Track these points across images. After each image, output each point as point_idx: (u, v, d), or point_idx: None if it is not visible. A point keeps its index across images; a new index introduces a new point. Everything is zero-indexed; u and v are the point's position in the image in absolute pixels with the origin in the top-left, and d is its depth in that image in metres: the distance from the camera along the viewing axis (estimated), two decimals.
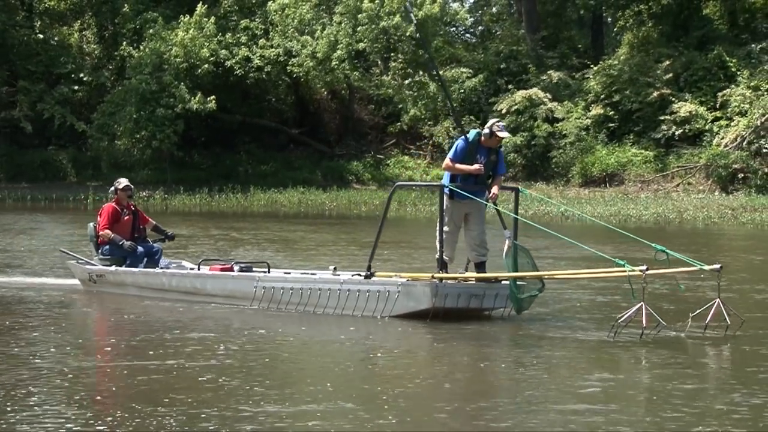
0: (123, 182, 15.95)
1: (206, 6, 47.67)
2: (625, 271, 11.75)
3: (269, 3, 48.74)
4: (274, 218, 35.28)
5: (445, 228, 13.26)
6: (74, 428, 7.76)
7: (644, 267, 11.63)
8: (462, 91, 47.86)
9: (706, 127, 43.66)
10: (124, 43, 48.29)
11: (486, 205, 13.31)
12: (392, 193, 14.71)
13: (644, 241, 13.14)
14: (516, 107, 46.38)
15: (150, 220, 16.21)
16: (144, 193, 43.79)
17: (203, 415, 8.09)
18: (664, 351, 10.90)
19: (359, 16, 46.15)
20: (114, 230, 15.50)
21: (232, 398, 8.66)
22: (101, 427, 7.80)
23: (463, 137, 13.30)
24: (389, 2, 45.89)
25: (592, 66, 48.84)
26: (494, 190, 13.21)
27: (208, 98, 45.63)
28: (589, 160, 44.63)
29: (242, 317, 13.31)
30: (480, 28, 61.54)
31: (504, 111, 46.55)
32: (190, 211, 40.08)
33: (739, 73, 44.91)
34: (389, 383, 9.41)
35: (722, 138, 42.66)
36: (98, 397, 8.86)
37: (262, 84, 49.41)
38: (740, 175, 41.30)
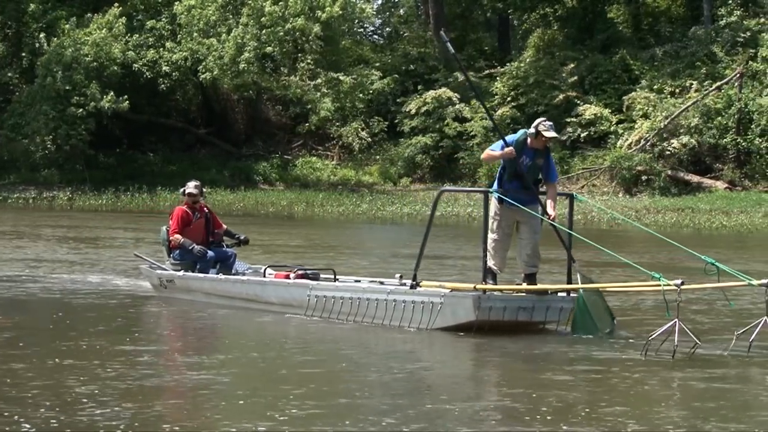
0: (192, 184, 15.30)
1: (118, 6, 47.03)
2: (659, 285, 11.10)
3: (176, 4, 48.24)
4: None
5: (494, 235, 12.53)
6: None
7: (679, 281, 10.95)
8: (370, 92, 47.93)
9: (611, 130, 44.15)
10: (42, 35, 47.34)
11: (542, 219, 12.58)
12: (437, 197, 14.27)
13: (694, 253, 12.39)
14: (426, 107, 46.54)
15: (223, 225, 15.54)
16: (49, 194, 43.15)
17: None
18: (697, 372, 10.31)
19: (263, 19, 45.73)
20: (185, 234, 14.86)
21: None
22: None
23: (504, 139, 12.93)
24: (293, 4, 45.57)
25: (498, 68, 49.17)
26: (551, 210, 12.41)
27: (121, 98, 45.01)
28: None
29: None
30: (387, 29, 61.67)
31: (413, 112, 46.77)
32: (96, 209, 39.57)
33: (642, 76, 45.53)
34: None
35: (626, 140, 43.19)
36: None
37: (169, 85, 48.90)
38: (644, 177, 41.86)
